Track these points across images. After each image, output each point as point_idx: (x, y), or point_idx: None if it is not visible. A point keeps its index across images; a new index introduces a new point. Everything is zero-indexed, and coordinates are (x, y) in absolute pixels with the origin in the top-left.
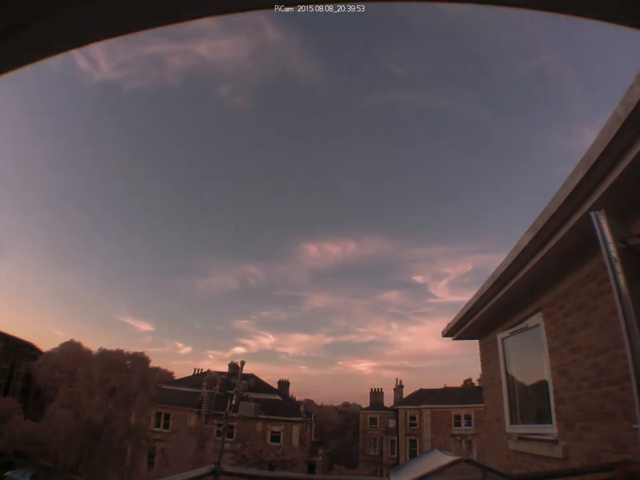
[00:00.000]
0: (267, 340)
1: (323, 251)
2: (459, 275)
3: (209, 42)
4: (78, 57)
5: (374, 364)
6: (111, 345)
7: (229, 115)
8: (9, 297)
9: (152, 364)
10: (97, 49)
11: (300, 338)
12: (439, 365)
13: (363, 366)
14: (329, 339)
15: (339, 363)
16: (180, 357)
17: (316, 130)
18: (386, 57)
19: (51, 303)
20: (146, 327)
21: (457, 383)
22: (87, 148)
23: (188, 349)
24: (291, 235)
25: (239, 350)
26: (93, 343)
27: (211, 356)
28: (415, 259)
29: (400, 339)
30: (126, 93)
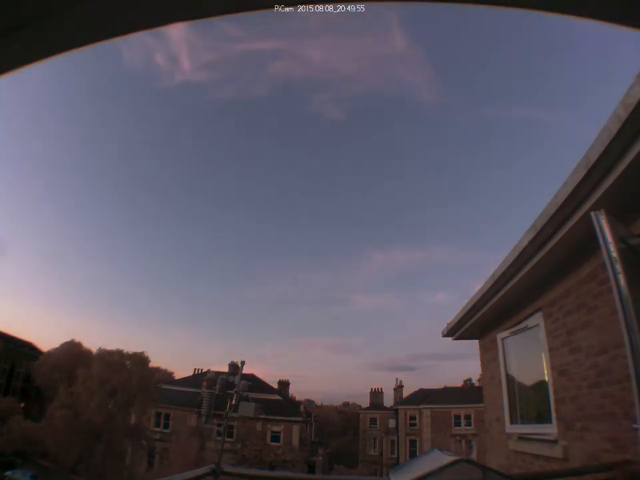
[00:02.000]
0: (298, 343)
1: (388, 258)
2: None
3: (315, 42)
4: (159, 55)
5: (392, 364)
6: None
7: (320, 123)
8: (39, 302)
9: (175, 369)
10: (181, 46)
11: (330, 341)
12: (455, 364)
13: (382, 367)
14: (358, 341)
15: (357, 364)
16: (199, 361)
17: (401, 141)
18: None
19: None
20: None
21: (457, 382)
22: (143, 149)
23: (210, 353)
24: (355, 242)
25: (264, 353)
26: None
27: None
28: (477, 264)
29: (426, 340)
30: (212, 95)
